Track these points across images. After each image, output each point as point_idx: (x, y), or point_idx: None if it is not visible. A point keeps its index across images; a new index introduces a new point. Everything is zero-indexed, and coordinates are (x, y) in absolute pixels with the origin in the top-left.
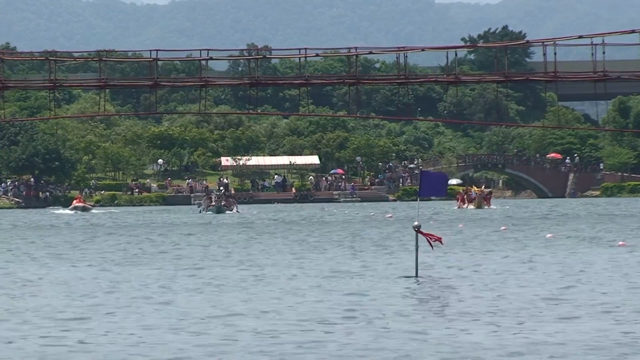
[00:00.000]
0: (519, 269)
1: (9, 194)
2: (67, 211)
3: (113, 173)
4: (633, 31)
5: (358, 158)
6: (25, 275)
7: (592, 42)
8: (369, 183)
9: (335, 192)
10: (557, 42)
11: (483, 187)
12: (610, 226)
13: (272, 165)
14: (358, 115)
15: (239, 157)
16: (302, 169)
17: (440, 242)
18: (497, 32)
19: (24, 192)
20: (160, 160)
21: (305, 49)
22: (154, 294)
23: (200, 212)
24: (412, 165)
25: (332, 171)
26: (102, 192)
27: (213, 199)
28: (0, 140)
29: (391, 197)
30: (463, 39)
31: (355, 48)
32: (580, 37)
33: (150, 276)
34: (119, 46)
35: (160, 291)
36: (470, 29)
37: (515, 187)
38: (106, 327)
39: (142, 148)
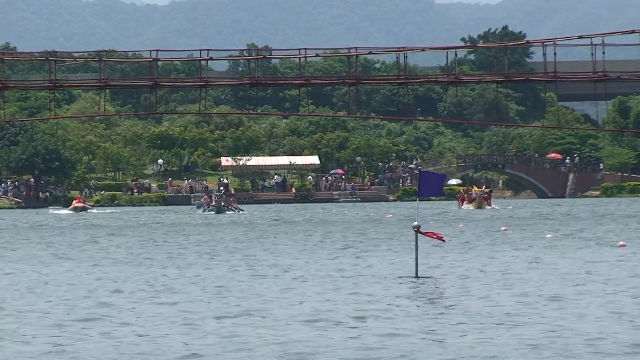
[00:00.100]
0: (519, 269)
1: (9, 194)
2: (66, 211)
3: (113, 173)
4: (633, 31)
5: (358, 158)
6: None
7: (592, 42)
8: (369, 183)
9: (335, 192)
10: (557, 42)
11: (484, 187)
12: (610, 226)
13: (272, 165)
14: (358, 115)
15: (239, 157)
16: (302, 169)
17: (441, 240)
18: (497, 32)
19: (24, 192)
20: (160, 161)
21: (305, 49)
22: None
23: (202, 211)
24: (412, 166)
25: (332, 171)
26: (102, 192)
27: (213, 199)
28: (0, 140)
29: (391, 197)
30: (463, 39)
31: (355, 48)
32: (580, 37)
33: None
34: (119, 46)
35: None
36: (470, 29)
37: (515, 187)
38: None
39: (142, 148)
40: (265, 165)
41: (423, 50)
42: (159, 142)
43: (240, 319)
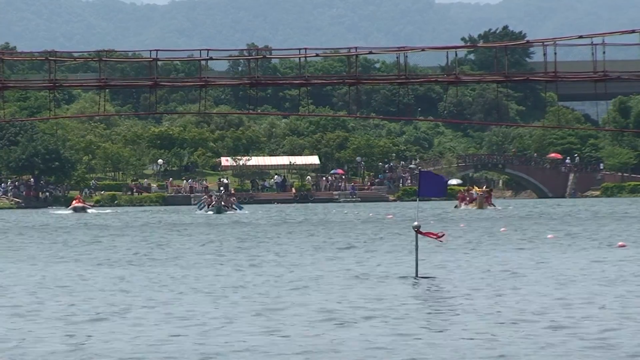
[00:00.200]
0: (519, 269)
1: (9, 194)
2: (66, 212)
3: (113, 173)
4: (633, 31)
5: (358, 158)
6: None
7: (592, 42)
8: (368, 183)
9: (335, 193)
10: (557, 42)
11: (484, 187)
12: (611, 226)
13: (272, 165)
14: (358, 115)
15: (239, 157)
16: (302, 169)
17: (441, 239)
18: (497, 32)
19: (24, 193)
20: (160, 160)
21: (305, 49)
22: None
23: (204, 211)
24: (412, 166)
25: (332, 171)
26: (102, 192)
27: (213, 199)
28: (0, 140)
29: (391, 197)
30: (463, 39)
31: (355, 48)
32: (580, 37)
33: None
34: (119, 46)
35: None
36: (470, 29)
37: (516, 187)
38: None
39: (142, 148)
40: (265, 165)
41: (423, 50)
42: (158, 142)
43: (245, 320)
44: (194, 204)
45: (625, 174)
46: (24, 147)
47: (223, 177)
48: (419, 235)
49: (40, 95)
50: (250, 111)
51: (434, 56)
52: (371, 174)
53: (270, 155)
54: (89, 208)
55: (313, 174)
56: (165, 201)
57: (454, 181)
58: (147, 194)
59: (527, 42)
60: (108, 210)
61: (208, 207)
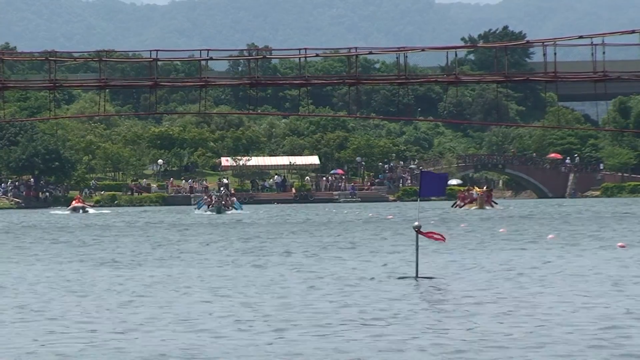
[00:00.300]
0: (520, 269)
1: (9, 195)
2: (66, 212)
3: (113, 173)
4: (633, 31)
5: (358, 158)
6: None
7: (592, 42)
8: (368, 183)
9: (335, 193)
10: (557, 42)
11: (485, 187)
12: (611, 227)
13: (272, 165)
14: (358, 115)
15: (239, 158)
16: (302, 169)
17: (441, 239)
18: (497, 32)
19: (24, 193)
20: (160, 161)
21: (305, 49)
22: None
23: (204, 211)
24: (412, 166)
25: (332, 171)
26: (102, 192)
27: (213, 199)
28: (0, 140)
29: (391, 198)
30: (463, 39)
31: (355, 48)
32: (580, 37)
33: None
34: (119, 46)
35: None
36: (470, 29)
37: (516, 188)
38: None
39: (142, 148)
40: (265, 166)
41: (423, 50)
42: (159, 142)
43: (245, 321)
44: (194, 204)
45: (625, 174)
46: (24, 147)
47: (223, 177)
48: (420, 236)
49: (40, 96)
50: (250, 111)
51: (434, 56)
52: (371, 174)
53: (270, 156)
54: (88, 208)
55: (313, 174)
56: (165, 201)
57: (454, 181)
58: (147, 194)
59: (527, 42)
60: (107, 210)
61: (208, 207)
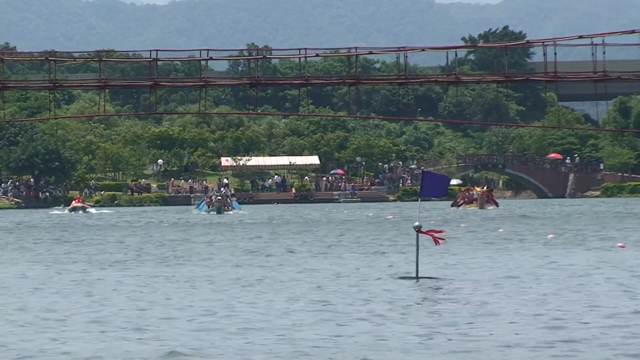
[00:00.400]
0: (520, 269)
1: (9, 195)
2: (66, 212)
3: (113, 173)
4: (633, 31)
5: (358, 158)
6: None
7: (592, 42)
8: (368, 183)
9: (335, 193)
10: (557, 42)
11: (485, 187)
12: (610, 227)
13: (272, 165)
14: (358, 115)
15: (239, 158)
16: (302, 169)
17: (442, 239)
18: (497, 32)
19: (24, 193)
20: (160, 161)
21: (305, 49)
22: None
23: (205, 212)
24: (413, 166)
25: (332, 171)
26: (102, 192)
27: (213, 199)
28: (0, 140)
29: (391, 198)
30: (463, 39)
31: (355, 48)
32: (580, 37)
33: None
34: (119, 46)
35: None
36: (470, 29)
37: (516, 188)
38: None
39: (142, 148)
40: (265, 166)
41: (423, 50)
42: (158, 142)
43: (244, 321)
44: (194, 204)
45: (625, 174)
46: (24, 147)
47: (224, 177)
48: (420, 236)
49: (40, 96)
50: (250, 111)
51: (434, 56)
52: (371, 174)
53: (270, 156)
54: (88, 208)
55: (313, 174)
56: (165, 201)
57: (454, 181)
58: (147, 194)
59: (527, 42)
60: (109, 210)
61: (209, 208)
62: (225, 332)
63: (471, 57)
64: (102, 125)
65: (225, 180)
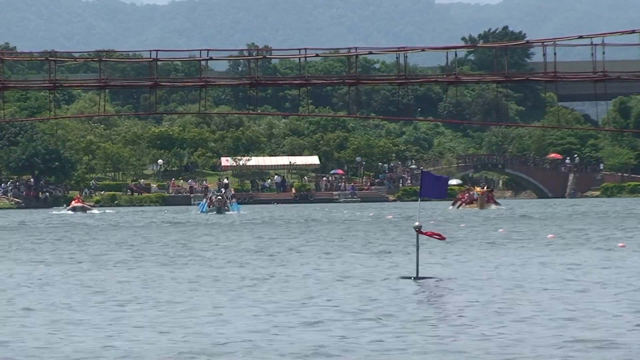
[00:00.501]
0: (520, 269)
1: (9, 195)
2: (65, 212)
3: (113, 173)
4: (633, 31)
5: (358, 158)
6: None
7: (592, 42)
8: (368, 183)
9: (335, 193)
10: (557, 42)
11: (485, 187)
12: (611, 227)
13: (272, 165)
14: (358, 115)
15: (239, 158)
16: (302, 169)
17: (442, 239)
18: (497, 32)
19: (24, 193)
20: (160, 161)
21: (305, 49)
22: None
23: (208, 212)
24: (413, 166)
25: (332, 171)
26: (102, 192)
27: (213, 199)
28: (0, 140)
29: (391, 198)
30: (463, 39)
31: (355, 48)
32: (580, 37)
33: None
34: (119, 46)
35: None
36: (470, 29)
37: (516, 188)
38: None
39: (142, 148)
40: (265, 166)
41: (423, 50)
42: (158, 142)
43: (241, 321)
44: (194, 204)
45: (625, 174)
46: (24, 147)
47: (224, 178)
48: (420, 236)
49: (40, 96)
50: (250, 111)
51: (434, 56)
52: (371, 174)
53: (270, 156)
54: (88, 208)
55: (313, 174)
56: (165, 201)
57: (454, 181)
58: (147, 194)
59: (527, 42)
60: (110, 210)
61: (209, 208)
62: (229, 332)
63: (471, 57)
64: (102, 125)
65: (226, 181)
